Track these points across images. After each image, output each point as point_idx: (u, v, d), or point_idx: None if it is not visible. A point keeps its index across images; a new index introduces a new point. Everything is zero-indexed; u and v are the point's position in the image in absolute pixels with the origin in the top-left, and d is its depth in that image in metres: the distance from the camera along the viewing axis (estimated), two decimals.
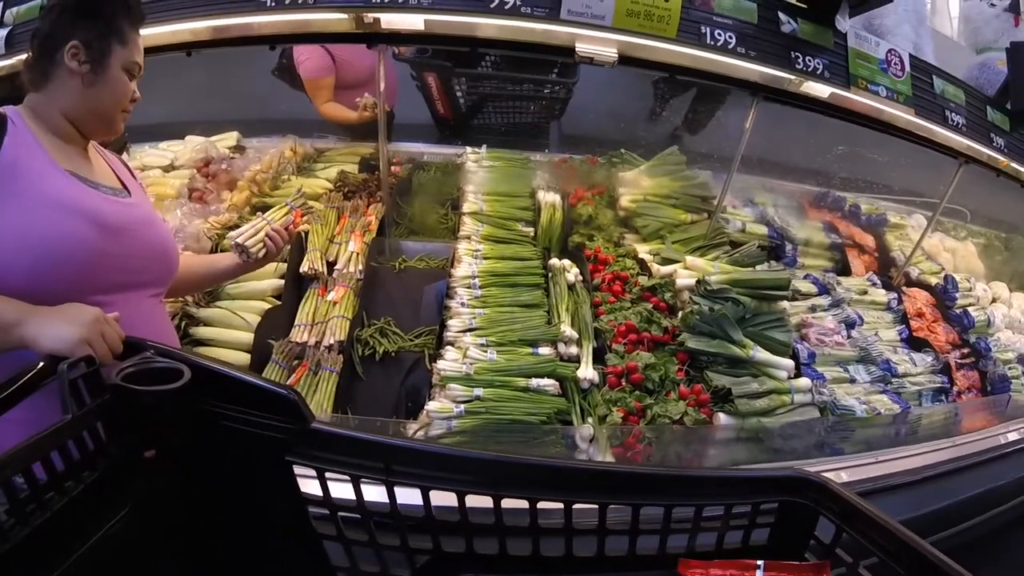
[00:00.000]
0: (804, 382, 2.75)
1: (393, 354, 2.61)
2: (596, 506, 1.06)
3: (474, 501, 1.04)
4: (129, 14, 1.54)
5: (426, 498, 1.04)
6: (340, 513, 1.07)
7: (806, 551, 1.10)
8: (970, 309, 3.69)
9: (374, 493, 1.05)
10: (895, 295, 3.54)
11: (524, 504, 1.04)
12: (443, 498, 1.04)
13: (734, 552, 1.12)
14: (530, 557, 1.11)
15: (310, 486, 1.06)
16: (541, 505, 1.05)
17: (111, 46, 1.50)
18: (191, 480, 1.08)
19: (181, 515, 1.10)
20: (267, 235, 2.00)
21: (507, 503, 1.05)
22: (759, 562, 1.06)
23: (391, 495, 1.03)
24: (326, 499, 1.05)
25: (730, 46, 2.42)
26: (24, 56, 1.56)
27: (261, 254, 1.99)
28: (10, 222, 1.37)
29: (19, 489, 0.83)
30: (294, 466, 1.04)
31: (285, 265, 2.85)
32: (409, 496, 1.04)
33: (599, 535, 1.09)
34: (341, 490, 1.05)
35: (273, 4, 2.38)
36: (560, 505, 1.05)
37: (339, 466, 1.02)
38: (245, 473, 1.07)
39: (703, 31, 2.40)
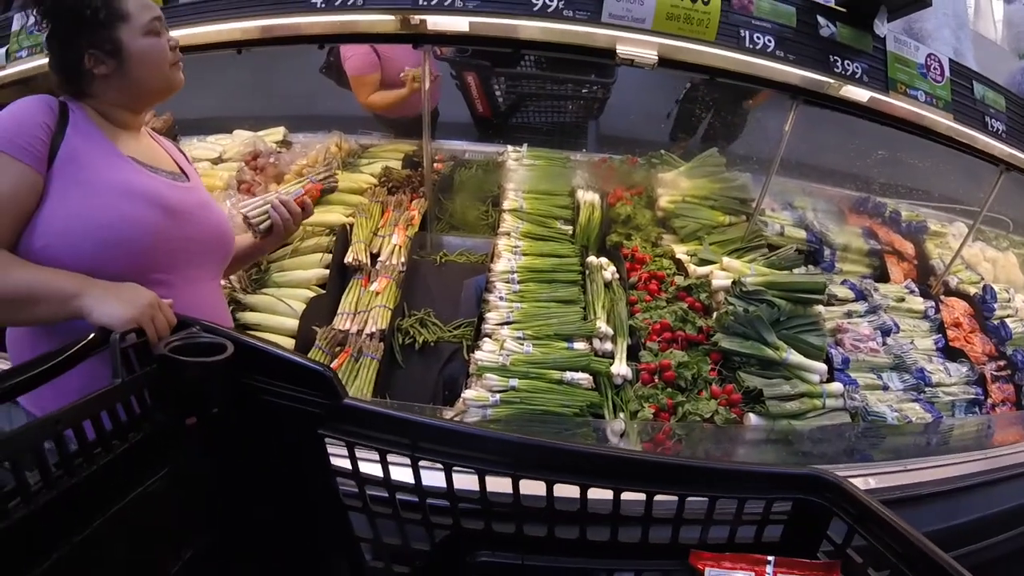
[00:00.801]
0: (836, 387, 2.75)
1: (432, 344, 2.70)
2: (611, 492, 1.08)
3: (494, 485, 1.08)
4: None
5: (448, 477, 1.08)
6: (367, 489, 1.12)
7: (818, 551, 1.11)
8: (1008, 321, 3.62)
9: (399, 473, 1.10)
10: (932, 304, 3.50)
11: (542, 488, 1.08)
12: (465, 481, 1.09)
13: (746, 547, 1.13)
14: (545, 539, 1.14)
15: (339, 462, 1.12)
16: (558, 491, 1.08)
17: (117, 32, 1.50)
18: (227, 448, 1.15)
19: (214, 481, 1.17)
20: (272, 206, 1.87)
21: (525, 487, 1.08)
22: (770, 558, 1.08)
23: (415, 471, 1.08)
24: (355, 472, 1.11)
25: (769, 49, 2.44)
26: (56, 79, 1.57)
27: (263, 227, 1.88)
28: (74, 209, 1.43)
29: (70, 445, 0.91)
30: (326, 440, 1.10)
31: (330, 256, 2.95)
32: (432, 477, 1.09)
33: (613, 521, 1.11)
34: (368, 468, 1.11)
35: (323, 5, 2.45)
36: (577, 490, 1.07)
37: (369, 440, 1.07)
38: (279, 444, 1.13)
39: (742, 34, 2.42)
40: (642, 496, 1.08)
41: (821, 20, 2.51)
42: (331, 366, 2.45)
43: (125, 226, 1.46)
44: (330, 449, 1.11)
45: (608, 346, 2.71)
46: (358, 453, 1.10)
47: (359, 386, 2.46)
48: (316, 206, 2.09)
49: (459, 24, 2.48)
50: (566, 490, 1.08)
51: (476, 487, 1.09)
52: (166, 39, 1.58)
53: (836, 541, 1.07)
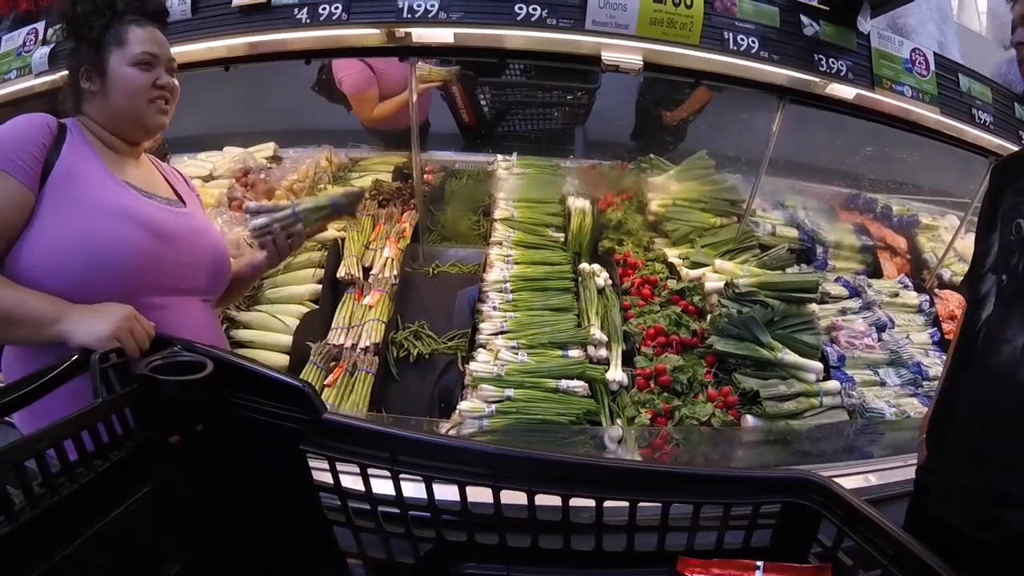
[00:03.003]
0: (833, 385, 2.75)
1: (427, 356, 2.69)
2: (593, 501, 1.08)
3: (476, 495, 1.09)
4: (121, 17, 1.57)
5: (429, 489, 1.09)
6: (350, 503, 1.13)
7: (809, 554, 1.11)
8: None
9: (381, 487, 1.11)
10: (927, 297, 3.50)
11: (524, 499, 1.08)
12: (447, 493, 1.09)
13: (735, 552, 1.13)
14: (529, 549, 1.15)
15: (322, 476, 1.12)
16: (540, 500, 1.08)
17: (109, 54, 1.55)
18: (209, 466, 1.16)
19: (197, 498, 1.18)
20: (272, 230, 1.83)
21: (507, 498, 1.08)
22: (759, 563, 1.08)
23: (396, 483, 1.09)
24: (337, 487, 1.12)
25: (753, 51, 2.44)
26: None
27: (256, 242, 1.86)
28: (65, 226, 1.44)
29: (52, 464, 0.91)
30: (307, 455, 1.11)
31: (323, 271, 2.95)
32: (414, 490, 1.10)
33: (597, 530, 1.12)
34: (350, 482, 1.12)
35: (308, 20, 2.45)
36: (559, 500, 1.08)
37: (349, 455, 1.09)
38: (261, 460, 1.14)
39: (726, 36, 2.42)
40: (625, 504, 1.08)
41: (804, 19, 2.52)
42: (326, 381, 2.49)
43: (113, 247, 1.47)
44: (312, 464, 1.12)
45: (603, 352, 2.71)
46: (340, 467, 1.10)
47: (355, 400, 2.46)
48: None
49: (444, 36, 2.49)
50: (548, 500, 1.08)
51: (458, 498, 1.09)
52: (154, 77, 1.60)
53: (826, 543, 1.07)
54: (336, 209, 1.94)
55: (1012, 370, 1.31)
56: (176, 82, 1.67)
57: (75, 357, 1.07)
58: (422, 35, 2.50)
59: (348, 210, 2.01)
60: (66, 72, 1.64)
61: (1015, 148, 2.92)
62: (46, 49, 2.82)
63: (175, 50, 1.68)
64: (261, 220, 1.83)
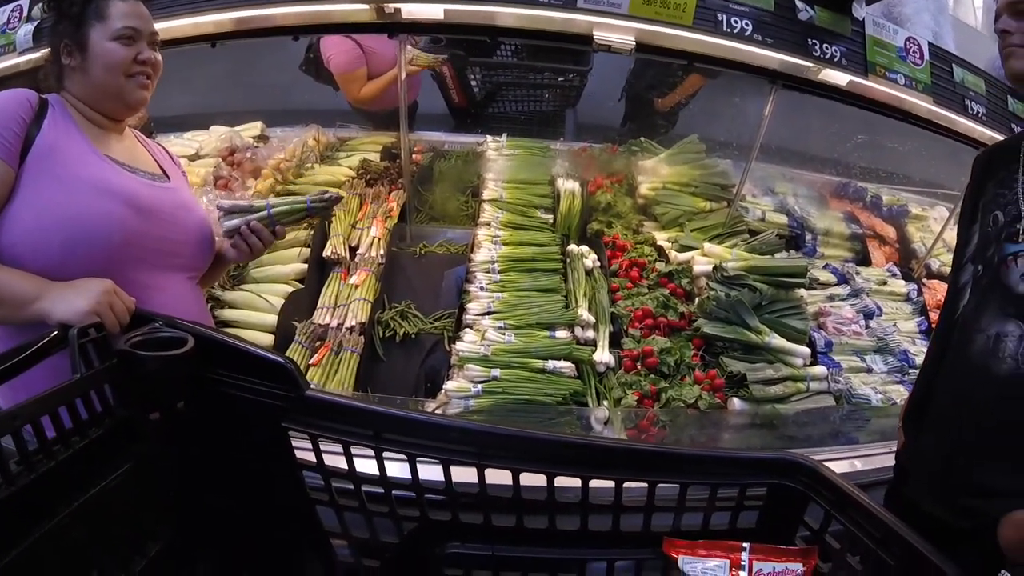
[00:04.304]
0: (820, 370, 2.76)
1: (413, 336, 2.68)
2: (579, 480, 1.07)
3: (461, 475, 1.08)
4: None
5: (413, 467, 1.08)
6: (333, 482, 1.11)
7: (795, 537, 1.11)
8: None
9: (365, 465, 1.09)
10: (915, 286, 3.52)
11: (509, 477, 1.07)
12: (431, 472, 1.08)
13: (721, 533, 1.12)
14: (514, 529, 1.14)
15: (305, 455, 1.11)
16: (525, 480, 1.07)
17: (90, 29, 1.52)
18: (191, 443, 1.14)
19: (178, 476, 1.16)
20: (241, 233, 1.78)
21: (492, 477, 1.07)
22: (745, 544, 1.07)
23: (380, 462, 1.07)
24: (320, 465, 1.10)
25: (747, 33, 2.42)
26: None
27: (227, 238, 1.81)
28: (46, 202, 1.42)
29: (29, 442, 0.89)
30: (289, 432, 1.09)
31: (308, 250, 2.93)
32: (398, 469, 1.08)
33: (582, 510, 1.11)
34: (333, 461, 1.10)
35: None
36: (544, 479, 1.07)
37: (332, 432, 1.07)
38: (244, 438, 1.12)
39: (719, 18, 2.40)
40: (611, 484, 1.07)
41: (799, 3, 2.49)
42: (312, 361, 2.46)
43: (95, 222, 1.45)
44: (296, 443, 1.10)
45: (590, 334, 2.71)
46: (324, 446, 1.09)
47: (340, 380, 2.44)
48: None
49: (434, 12, 2.45)
50: (533, 479, 1.07)
51: (442, 477, 1.08)
52: (135, 51, 1.56)
53: (813, 526, 1.07)
54: (311, 212, 1.89)
55: (985, 360, 1.31)
56: (159, 57, 1.63)
57: (54, 333, 1.04)
58: (412, 11, 2.46)
59: (323, 213, 1.97)
60: (48, 49, 1.60)
61: None
62: (30, 26, 2.76)
63: (159, 25, 1.65)
64: (234, 222, 1.78)
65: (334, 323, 2.64)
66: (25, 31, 2.76)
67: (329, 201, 1.91)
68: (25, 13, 2.86)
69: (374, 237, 2.97)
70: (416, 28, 2.63)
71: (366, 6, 2.45)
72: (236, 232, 1.78)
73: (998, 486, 1.29)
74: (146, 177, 1.64)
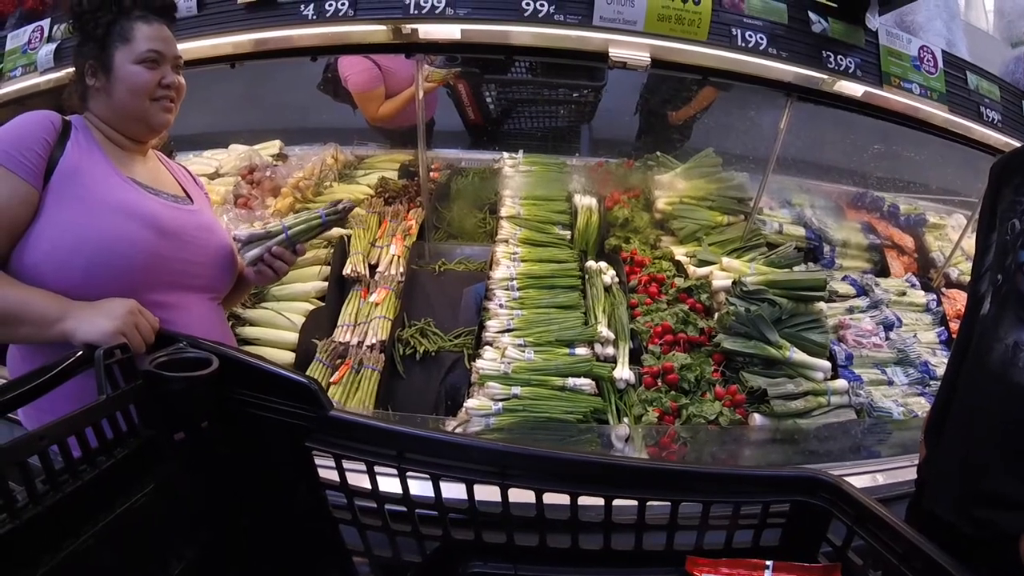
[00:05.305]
0: (841, 384, 2.74)
1: (433, 354, 2.69)
2: (602, 500, 1.07)
3: (484, 494, 1.08)
4: (128, 13, 1.56)
5: (436, 487, 1.08)
6: (356, 501, 1.12)
7: (818, 554, 1.10)
8: None
9: (388, 484, 1.10)
10: (934, 296, 3.48)
11: (532, 497, 1.07)
12: (454, 491, 1.08)
13: (744, 552, 1.12)
14: (537, 548, 1.13)
15: (328, 474, 1.12)
16: (549, 499, 1.07)
17: (113, 50, 1.54)
18: (215, 462, 1.15)
19: (203, 495, 1.17)
20: (264, 259, 1.79)
21: (515, 496, 1.07)
22: (768, 562, 1.07)
23: (403, 481, 1.08)
24: (343, 484, 1.11)
25: (761, 47, 2.43)
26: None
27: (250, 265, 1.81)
28: (69, 223, 1.43)
29: (56, 461, 0.91)
30: (313, 452, 1.10)
31: (328, 268, 2.95)
32: (421, 488, 1.09)
33: (605, 529, 1.11)
34: (357, 480, 1.11)
35: (314, 17, 2.44)
36: (567, 498, 1.07)
37: (355, 452, 1.07)
38: (267, 458, 1.14)
39: (734, 33, 2.41)
40: (634, 503, 1.07)
41: (812, 16, 2.50)
42: (332, 379, 2.48)
43: (117, 244, 1.47)
44: (319, 461, 1.11)
45: (610, 350, 2.70)
46: (346, 465, 1.09)
47: (360, 398, 2.46)
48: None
49: (451, 32, 2.48)
50: (557, 498, 1.07)
51: (465, 496, 1.08)
52: (160, 75, 1.59)
53: (836, 543, 1.06)
54: (327, 224, 1.91)
55: (1004, 369, 1.30)
56: (182, 80, 1.66)
57: (79, 353, 1.06)
58: (429, 31, 2.49)
59: (339, 223, 1.99)
60: (72, 69, 1.62)
61: None
62: (51, 46, 2.82)
63: (181, 47, 1.67)
64: (255, 251, 1.79)
65: (354, 341, 2.66)
66: (46, 51, 2.82)
67: (343, 211, 1.93)
68: (46, 34, 2.92)
69: (393, 255, 2.99)
70: (433, 48, 2.65)
71: (384, 27, 2.48)
72: (259, 260, 1.79)
73: (1015, 496, 1.28)
74: (169, 199, 1.66)
